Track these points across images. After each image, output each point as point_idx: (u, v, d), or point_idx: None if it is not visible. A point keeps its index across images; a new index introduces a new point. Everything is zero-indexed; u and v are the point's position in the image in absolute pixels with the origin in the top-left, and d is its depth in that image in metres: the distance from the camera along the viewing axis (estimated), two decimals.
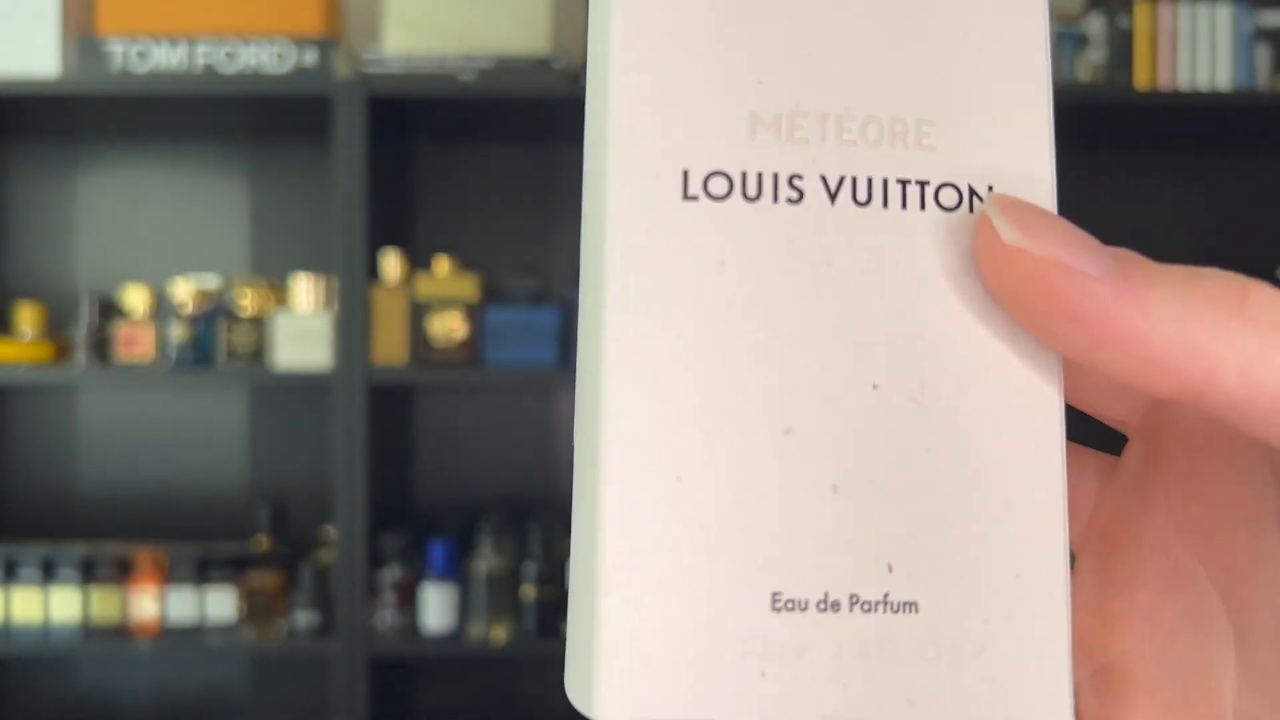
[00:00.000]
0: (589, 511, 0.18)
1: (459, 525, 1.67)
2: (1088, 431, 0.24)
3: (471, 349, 1.56)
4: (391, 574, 1.55)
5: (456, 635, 1.55)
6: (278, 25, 1.56)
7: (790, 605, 0.18)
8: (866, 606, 0.18)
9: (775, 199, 0.19)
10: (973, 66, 0.20)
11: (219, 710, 1.75)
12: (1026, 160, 0.20)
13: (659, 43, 0.19)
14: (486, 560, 1.55)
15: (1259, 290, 0.18)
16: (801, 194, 0.19)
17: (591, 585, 0.18)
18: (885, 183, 0.19)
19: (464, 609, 1.55)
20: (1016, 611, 0.19)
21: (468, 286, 1.57)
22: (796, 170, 0.19)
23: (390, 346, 1.55)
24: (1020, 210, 0.18)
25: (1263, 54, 1.56)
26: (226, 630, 1.56)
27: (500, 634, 1.54)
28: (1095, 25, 1.58)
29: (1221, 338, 0.17)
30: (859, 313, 0.19)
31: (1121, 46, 1.56)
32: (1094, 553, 0.22)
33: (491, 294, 1.63)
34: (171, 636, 1.55)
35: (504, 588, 1.55)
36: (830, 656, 0.18)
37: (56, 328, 1.67)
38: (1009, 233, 0.18)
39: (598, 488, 0.18)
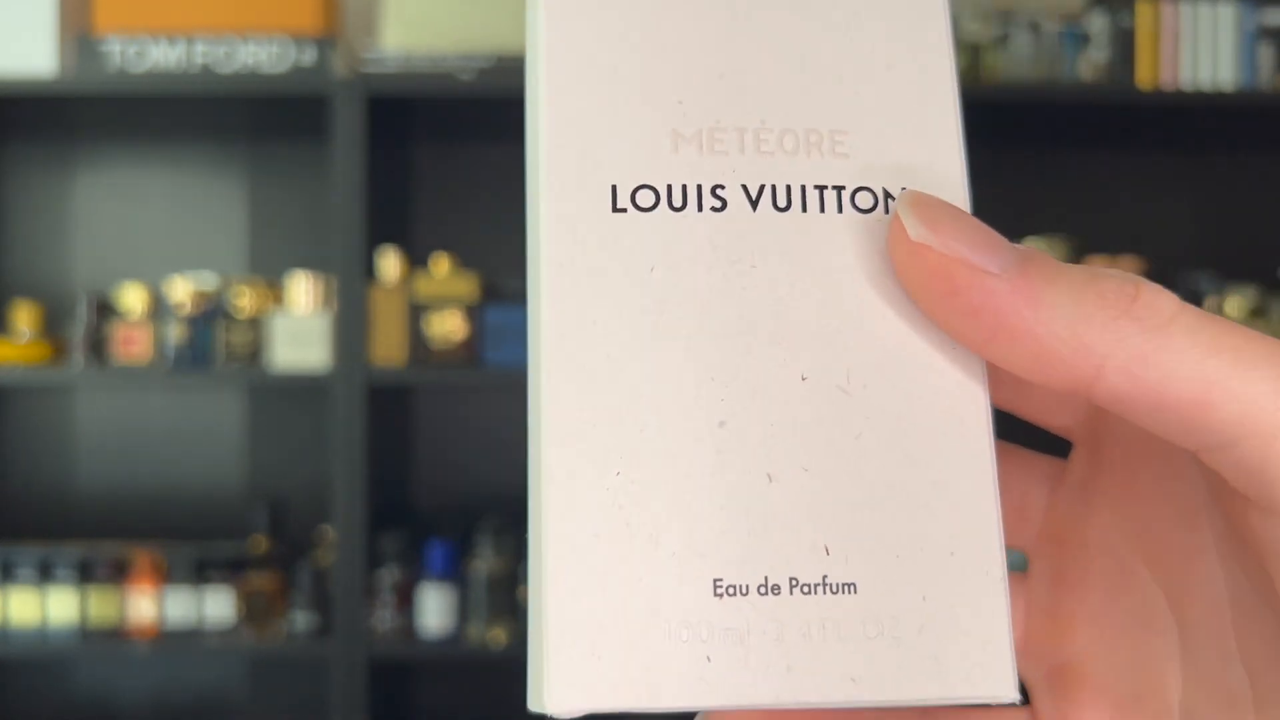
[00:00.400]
0: (535, 510, 0.19)
1: (458, 526, 1.66)
2: (1041, 443, 0.25)
3: (470, 349, 1.55)
4: (390, 575, 1.54)
5: (455, 637, 1.54)
6: (276, 23, 1.56)
7: (731, 590, 0.19)
8: (806, 589, 0.19)
9: (700, 208, 0.20)
10: (881, 78, 0.21)
11: (217, 711, 1.74)
12: (937, 161, 0.21)
13: (585, 69, 0.21)
14: (485, 561, 1.55)
15: (1149, 292, 0.18)
16: (724, 202, 0.20)
17: (539, 582, 0.19)
18: (803, 189, 0.20)
19: (463, 610, 1.55)
20: (954, 589, 0.19)
21: (467, 286, 1.56)
22: (718, 180, 0.20)
23: (389, 346, 1.54)
24: (928, 208, 0.19)
25: (1266, 53, 1.56)
26: (224, 631, 1.55)
27: (499, 635, 1.53)
28: (1097, 24, 1.57)
29: (1109, 336, 0.18)
30: (784, 310, 0.20)
31: (1124, 45, 1.56)
32: (1045, 556, 0.23)
33: (491, 294, 1.62)
34: (169, 638, 1.54)
35: (503, 589, 1.54)
36: (773, 639, 0.19)
37: (54, 328, 1.67)
38: (915, 229, 0.19)
39: (540, 486, 0.19)
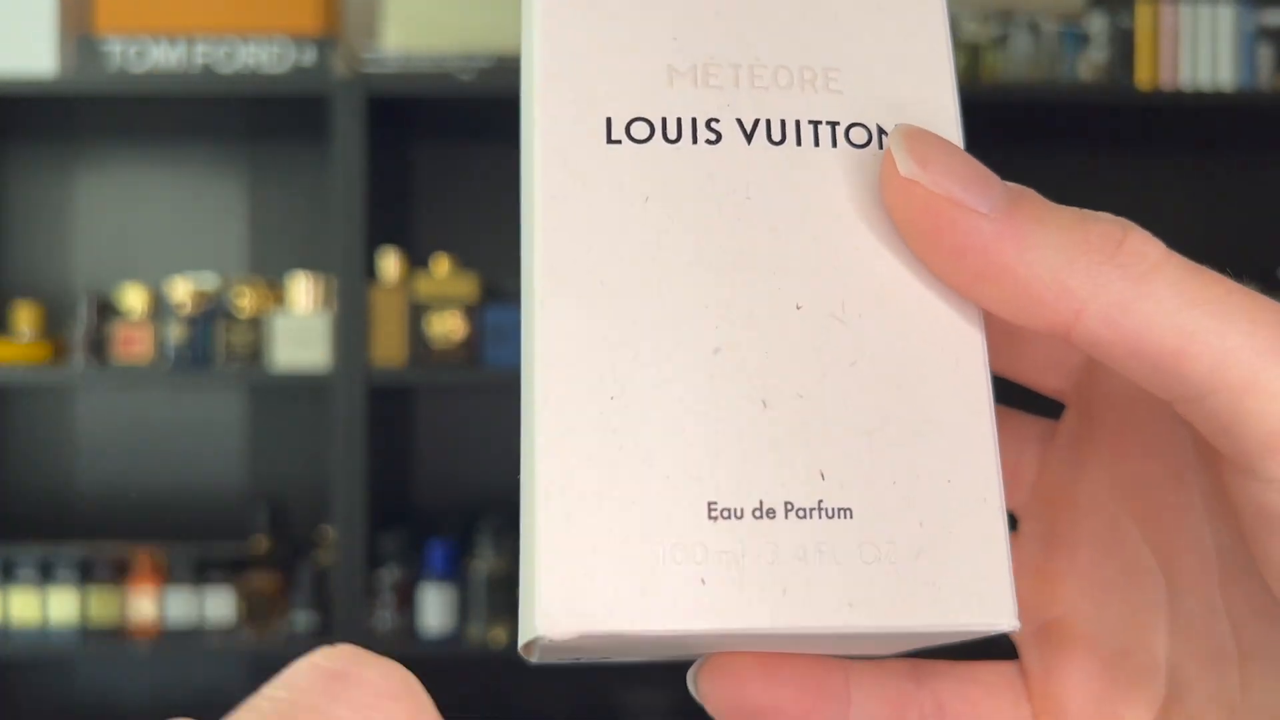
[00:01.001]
0: (527, 434, 0.19)
1: (458, 526, 1.66)
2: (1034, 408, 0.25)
3: (471, 349, 1.55)
4: (390, 575, 1.55)
5: (456, 636, 1.55)
6: (276, 24, 1.56)
7: (726, 514, 0.18)
8: (801, 513, 0.19)
9: (694, 140, 0.20)
10: (874, 17, 0.21)
11: (217, 711, 1.73)
12: (930, 97, 0.21)
13: (581, 4, 0.21)
14: (486, 561, 1.55)
15: (1136, 238, 0.19)
16: (719, 135, 0.20)
17: (531, 505, 0.19)
18: (798, 123, 0.20)
19: (463, 610, 1.55)
20: (951, 516, 0.19)
21: (467, 286, 1.56)
22: (713, 114, 0.20)
23: (389, 347, 1.54)
24: (919, 143, 0.19)
25: (1265, 54, 1.56)
26: (225, 631, 1.55)
27: (500, 635, 1.53)
28: (1097, 24, 1.57)
29: (1091, 281, 0.18)
30: (779, 240, 0.20)
31: (1123, 46, 1.56)
32: (1036, 516, 0.23)
33: (491, 294, 1.62)
34: (170, 637, 1.54)
35: (503, 589, 1.54)
36: (768, 562, 0.18)
37: (54, 328, 1.67)
38: (905, 165, 0.19)
39: (534, 408, 0.19)
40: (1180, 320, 0.18)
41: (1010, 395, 0.24)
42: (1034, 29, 1.58)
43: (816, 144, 0.20)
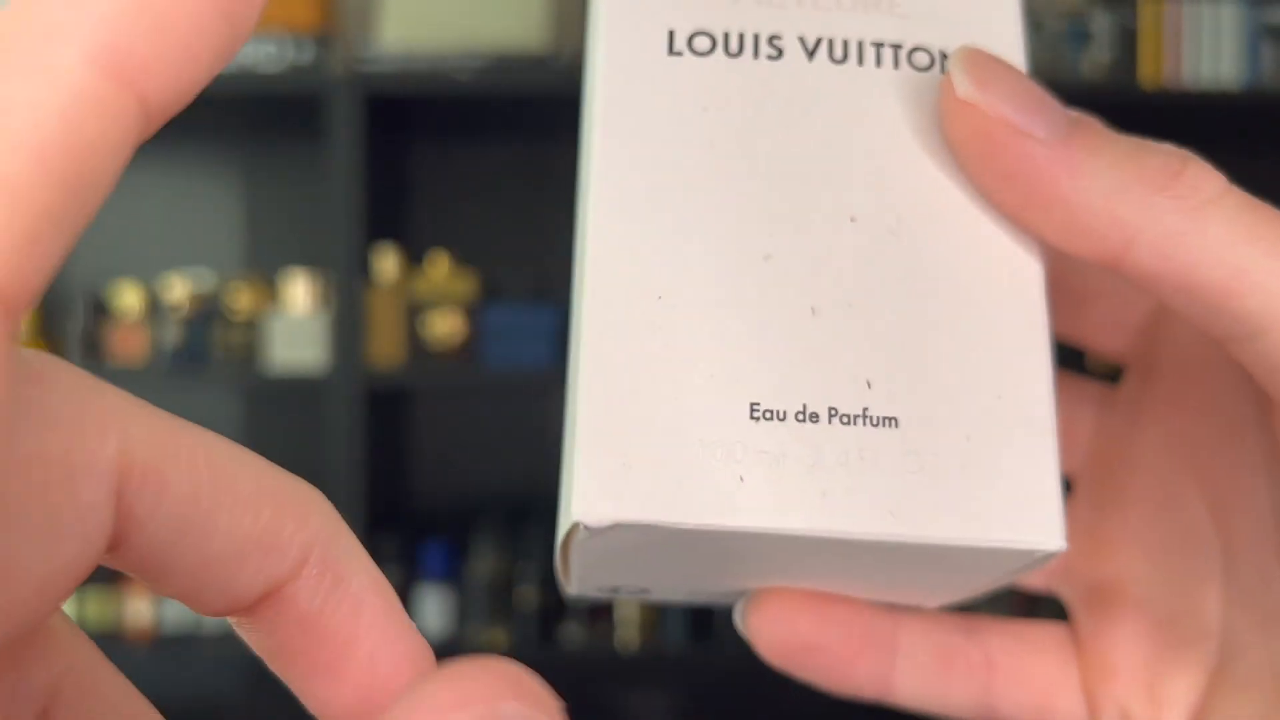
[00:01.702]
0: (576, 335, 0.19)
1: (456, 527, 1.65)
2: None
3: (469, 349, 1.54)
4: (388, 576, 1.53)
5: (454, 638, 1.54)
6: (273, 22, 1.55)
7: (769, 415, 0.18)
8: (845, 419, 0.18)
9: (756, 55, 0.20)
10: None
11: (214, 715, 1.73)
12: (994, 23, 0.20)
13: None
14: (484, 563, 1.54)
15: (1196, 170, 0.18)
16: (780, 51, 0.20)
17: (575, 397, 0.18)
18: (860, 44, 0.20)
19: (461, 612, 1.54)
20: (998, 432, 0.18)
21: (465, 286, 1.55)
22: (776, 31, 0.20)
23: (387, 346, 1.53)
24: (979, 65, 0.19)
25: (1269, 51, 1.55)
26: (222, 635, 1.54)
27: (498, 637, 1.53)
28: (1100, 22, 1.56)
29: (1144, 212, 0.18)
30: (836, 155, 0.20)
31: (1127, 44, 1.55)
32: (1091, 478, 0.23)
33: (490, 293, 1.61)
34: (167, 641, 1.53)
35: (502, 590, 1.53)
36: (809, 465, 0.18)
37: (49, 327, 1.66)
38: (963, 87, 0.19)
39: (582, 305, 0.19)
40: (1232, 256, 0.17)
41: (1070, 364, 0.24)
42: (1038, 26, 1.57)
43: (879, 64, 0.20)
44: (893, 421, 0.18)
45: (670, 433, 0.18)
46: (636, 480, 0.18)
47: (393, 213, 1.69)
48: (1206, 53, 1.54)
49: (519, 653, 1.52)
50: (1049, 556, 0.18)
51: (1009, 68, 0.19)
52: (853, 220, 0.19)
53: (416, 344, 1.54)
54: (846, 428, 0.18)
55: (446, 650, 1.63)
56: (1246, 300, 0.17)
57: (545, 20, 1.55)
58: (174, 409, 0.15)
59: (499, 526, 1.57)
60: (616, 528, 0.18)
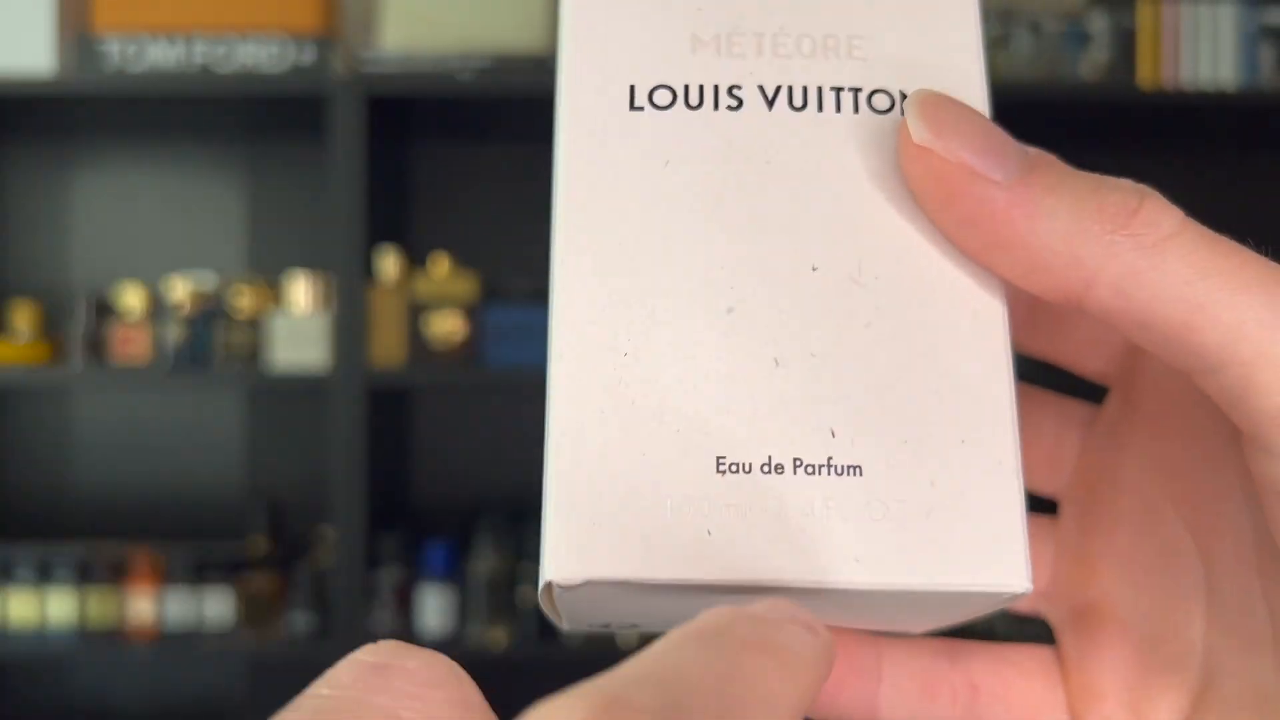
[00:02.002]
0: (548, 389, 0.20)
1: (457, 526, 1.66)
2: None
3: (470, 349, 1.55)
4: (389, 575, 1.54)
5: (455, 638, 1.54)
6: (275, 23, 1.55)
7: (734, 468, 0.19)
8: (810, 469, 0.19)
9: (716, 107, 0.20)
10: None
11: (216, 713, 1.74)
12: (956, 63, 0.21)
13: None
14: (485, 562, 1.54)
15: (1152, 206, 0.18)
16: (740, 101, 0.20)
17: (546, 458, 0.19)
18: (820, 90, 0.20)
19: (462, 611, 1.55)
20: (964, 476, 0.19)
21: (466, 286, 1.56)
22: (735, 81, 0.20)
23: (388, 347, 1.54)
24: (935, 108, 0.19)
25: (1267, 52, 1.55)
26: (224, 632, 1.55)
27: (499, 637, 1.53)
28: (1098, 23, 1.57)
29: (1102, 251, 0.18)
30: (797, 203, 0.20)
31: (1125, 45, 1.55)
32: (1075, 499, 0.23)
33: (490, 294, 1.62)
34: (168, 639, 1.54)
35: (503, 590, 1.54)
36: (775, 515, 0.18)
37: (52, 328, 1.66)
38: (919, 132, 0.19)
39: (551, 365, 0.19)
40: (1190, 292, 0.17)
41: (1056, 383, 0.24)
42: (1036, 28, 1.57)
43: (839, 110, 0.20)
44: (857, 470, 0.19)
45: (638, 489, 0.18)
46: (605, 538, 0.18)
47: (394, 213, 1.70)
48: (1204, 54, 1.54)
49: (519, 652, 1.53)
50: (1015, 597, 0.19)
51: (965, 110, 0.19)
52: (814, 270, 0.19)
53: (418, 344, 1.54)
54: (811, 477, 0.19)
55: (447, 649, 1.63)
56: (1205, 335, 0.17)
57: (545, 21, 1.56)
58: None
59: (500, 526, 1.57)
60: (588, 584, 0.18)
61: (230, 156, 1.75)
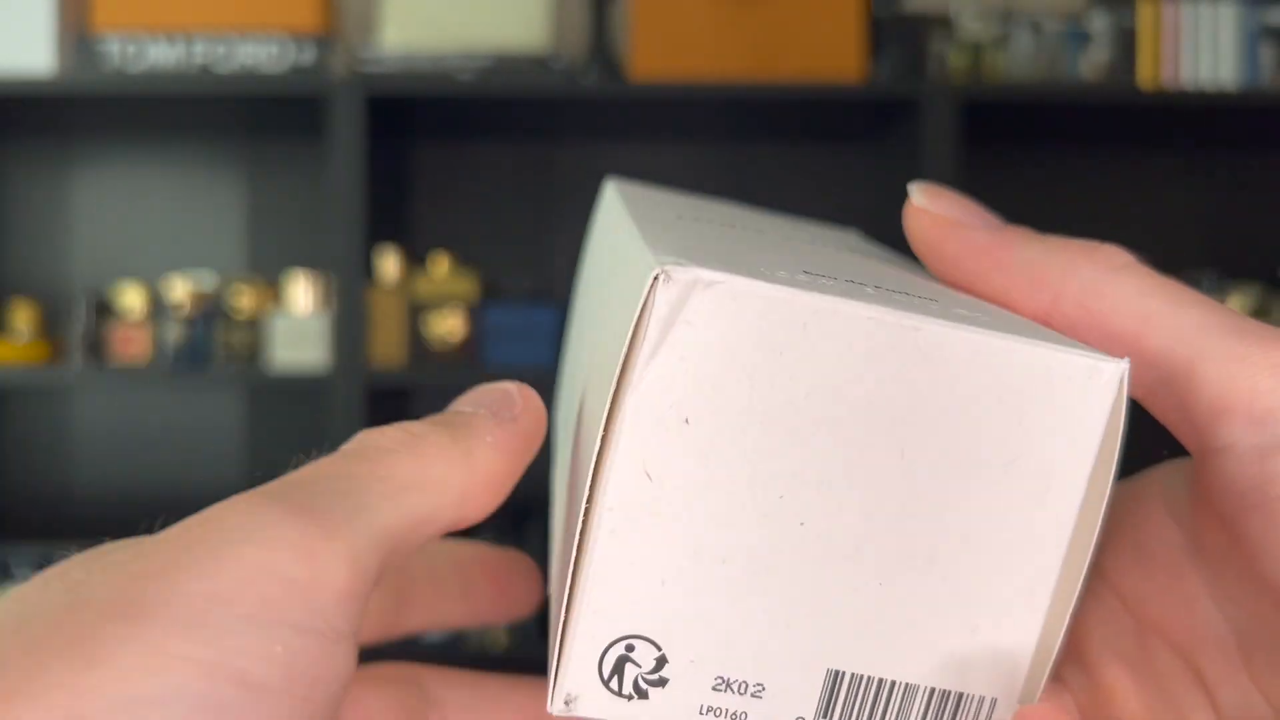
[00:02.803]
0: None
1: None
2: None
3: (470, 349, 1.55)
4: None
5: (455, 639, 1.54)
6: (275, 23, 1.55)
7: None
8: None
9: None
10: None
11: None
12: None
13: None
14: None
15: (1111, 246, 0.21)
16: None
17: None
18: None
19: None
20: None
21: (466, 286, 1.56)
22: None
23: (388, 347, 1.54)
24: (933, 189, 0.24)
25: (1268, 52, 1.55)
26: None
27: (499, 636, 1.53)
28: (1099, 24, 1.57)
29: (1067, 273, 0.21)
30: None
31: (1125, 45, 1.55)
32: (1070, 660, 0.23)
33: (491, 293, 1.62)
34: None
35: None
36: None
37: (52, 328, 1.66)
38: (918, 199, 0.23)
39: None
40: (1140, 305, 0.20)
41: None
42: (1036, 28, 1.57)
43: None
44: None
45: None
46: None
47: (394, 213, 1.70)
48: (1204, 54, 1.54)
49: (519, 651, 1.53)
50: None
51: (957, 194, 0.23)
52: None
53: (418, 344, 1.54)
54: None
55: (447, 648, 1.63)
56: (1151, 341, 0.20)
57: (545, 21, 1.56)
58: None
59: (499, 525, 1.57)
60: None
61: (230, 156, 1.75)
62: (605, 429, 0.18)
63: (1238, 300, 1.59)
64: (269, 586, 0.16)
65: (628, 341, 0.18)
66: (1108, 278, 0.21)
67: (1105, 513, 0.19)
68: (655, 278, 0.18)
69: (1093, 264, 0.21)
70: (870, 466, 0.18)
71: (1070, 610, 0.19)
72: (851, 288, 0.19)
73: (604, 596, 0.19)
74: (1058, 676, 0.23)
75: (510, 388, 0.24)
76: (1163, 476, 0.22)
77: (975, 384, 0.18)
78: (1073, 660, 0.23)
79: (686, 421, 0.18)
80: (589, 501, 0.19)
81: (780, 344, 0.18)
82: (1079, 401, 0.18)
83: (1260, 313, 1.58)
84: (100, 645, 0.15)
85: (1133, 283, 0.20)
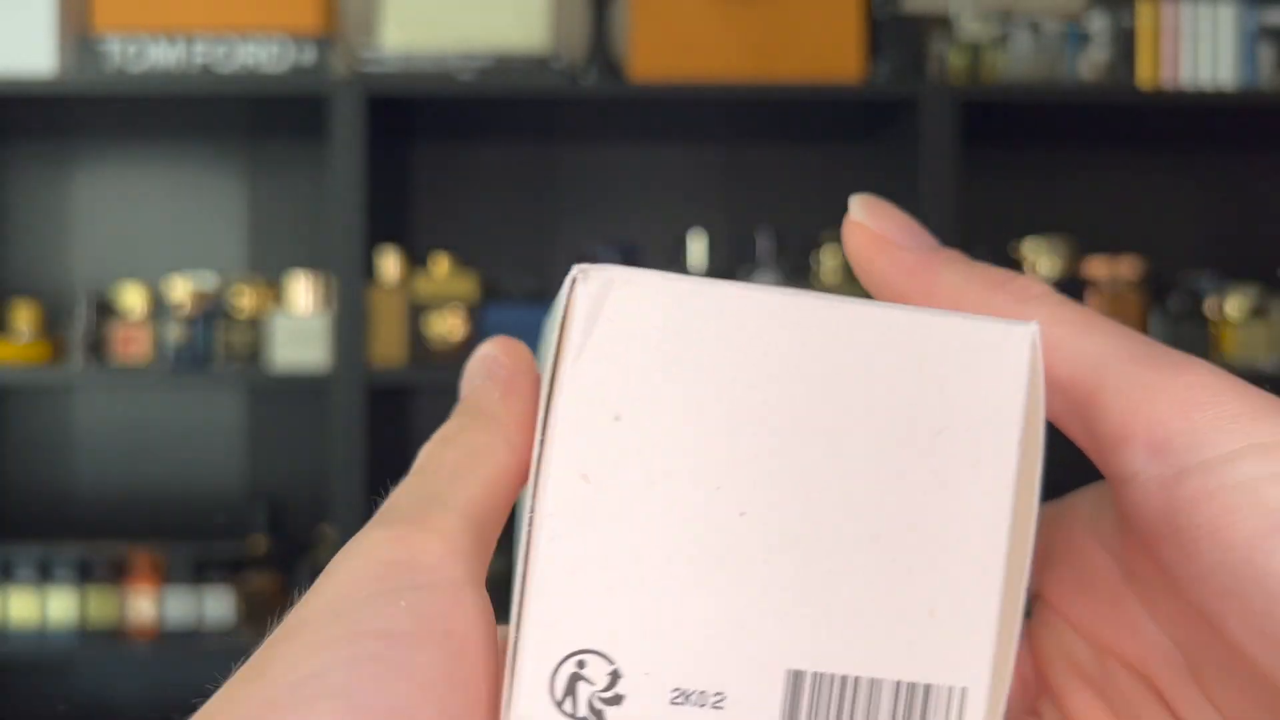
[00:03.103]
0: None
1: None
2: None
3: (470, 349, 1.55)
4: None
5: None
6: (275, 23, 1.55)
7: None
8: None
9: None
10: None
11: None
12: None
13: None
14: None
15: (1026, 278, 0.22)
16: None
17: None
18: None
19: None
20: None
21: (467, 286, 1.56)
22: None
23: (389, 346, 1.54)
24: (873, 203, 0.24)
25: (1266, 53, 1.56)
26: (224, 632, 1.55)
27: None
28: (1098, 24, 1.57)
29: (982, 303, 0.22)
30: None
31: (1124, 45, 1.55)
32: (1042, 694, 0.24)
33: (491, 293, 1.62)
34: (169, 638, 1.54)
35: (502, 591, 1.53)
36: None
37: (53, 327, 1.67)
38: (856, 212, 0.24)
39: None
40: (1047, 335, 0.20)
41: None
42: (1035, 28, 1.57)
43: None
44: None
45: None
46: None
47: (394, 213, 1.70)
48: (1204, 54, 1.54)
49: None
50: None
51: (897, 210, 0.24)
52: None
53: (418, 343, 1.54)
54: None
55: None
56: (1058, 369, 0.20)
57: (545, 21, 1.56)
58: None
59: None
60: None
61: (231, 156, 1.75)
62: (543, 433, 0.19)
63: (1236, 301, 1.59)
64: (377, 569, 0.18)
65: (555, 344, 0.19)
66: (1018, 309, 0.21)
67: (1040, 478, 0.19)
68: (574, 278, 0.19)
69: (1006, 294, 0.21)
70: (801, 450, 0.19)
71: (1024, 585, 0.19)
72: (768, 286, 0.19)
73: (550, 608, 0.19)
74: (1031, 710, 0.24)
75: (486, 349, 0.25)
76: (1089, 500, 0.23)
77: (893, 359, 0.19)
78: (1042, 692, 0.24)
79: (617, 419, 0.19)
80: (532, 510, 0.19)
81: (699, 335, 0.19)
82: (996, 366, 0.19)
83: (1259, 313, 1.58)
84: (266, 662, 0.19)
85: (1043, 312, 0.21)
